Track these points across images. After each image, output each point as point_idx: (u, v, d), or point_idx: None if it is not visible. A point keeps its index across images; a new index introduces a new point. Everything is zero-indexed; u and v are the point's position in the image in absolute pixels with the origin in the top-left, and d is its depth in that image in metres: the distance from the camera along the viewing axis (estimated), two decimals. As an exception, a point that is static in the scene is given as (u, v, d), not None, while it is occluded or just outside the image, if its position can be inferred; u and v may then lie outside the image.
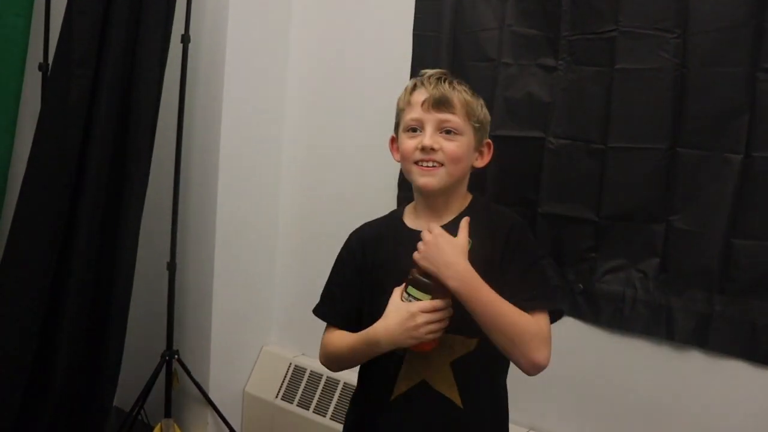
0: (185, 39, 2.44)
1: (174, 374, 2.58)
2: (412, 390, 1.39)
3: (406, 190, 2.46)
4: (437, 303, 1.29)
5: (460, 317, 1.31)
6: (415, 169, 1.39)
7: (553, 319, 1.40)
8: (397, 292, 1.34)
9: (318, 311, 1.50)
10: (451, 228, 1.35)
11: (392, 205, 2.19)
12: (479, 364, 1.39)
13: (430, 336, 1.29)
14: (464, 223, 1.34)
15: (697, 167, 1.96)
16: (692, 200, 1.97)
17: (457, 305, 1.31)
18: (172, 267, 2.54)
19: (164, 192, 2.53)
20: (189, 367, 2.59)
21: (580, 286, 2.16)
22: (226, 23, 2.53)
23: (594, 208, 2.11)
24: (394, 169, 2.48)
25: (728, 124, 1.89)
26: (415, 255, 1.31)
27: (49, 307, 2.24)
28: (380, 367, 1.42)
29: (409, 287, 1.31)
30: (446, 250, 1.28)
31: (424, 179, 1.38)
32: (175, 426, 2.60)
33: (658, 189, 2.01)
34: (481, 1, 2.28)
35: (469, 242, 1.33)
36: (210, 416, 2.68)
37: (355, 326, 1.43)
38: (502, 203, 2.25)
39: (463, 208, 1.44)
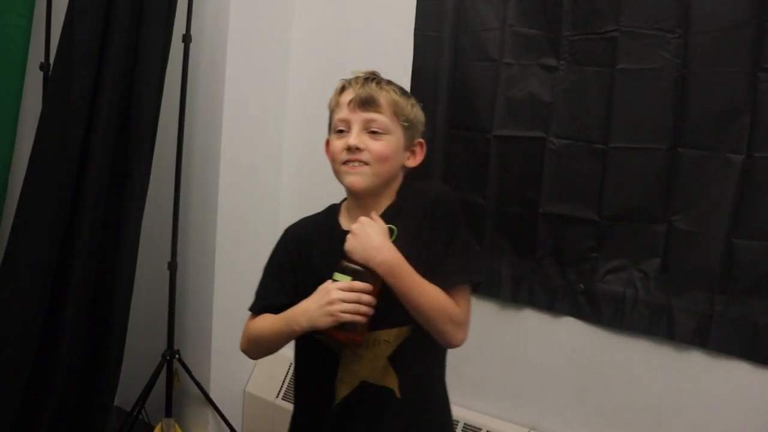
0: (186, 39, 2.44)
1: (175, 374, 2.58)
2: (353, 393, 1.39)
3: (407, 190, 2.46)
4: (355, 283, 1.30)
5: (391, 310, 1.33)
6: (342, 168, 1.39)
7: (475, 288, 1.43)
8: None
9: (254, 308, 1.49)
10: (386, 217, 1.38)
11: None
12: (414, 352, 1.39)
13: (347, 316, 1.28)
14: (374, 215, 1.37)
15: (698, 167, 1.95)
16: (693, 200, 1.97)
17: (390, 299, 1.32)
18: (173, 267, 2.54)
19: (165, 192, 2.53)
20: (190, 367, 2.59)
21: (581, 286, 2.16)
22: (227, 23, 2.53)
23: (595, 208, 2.11)
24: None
25: (729, 125, 1.89)
26: (345, 245, 1.33)
27: (50, 307, 2.24)
28: (318, 375, 1.43)
29: (335, 274, 1.33)
30: (372, 236, 1.32)
31: (350, 178, 1.38)
32: (176, 426, 2.60)
33: (659, 189, 2.01)
34: (482, 1, 2.28)
35: (393, 231, 1.35)
36: (211, 416, 2.68)
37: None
38: (503, 203, 2.27)
39: (391, 202, 1.44)
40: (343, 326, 1.30)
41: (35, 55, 2.36)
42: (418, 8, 2.43)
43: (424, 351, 1.41)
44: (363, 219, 1.35)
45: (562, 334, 2.23)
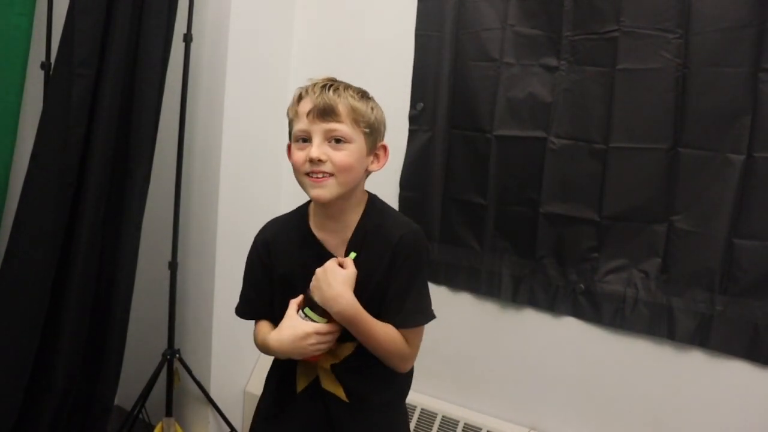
0: (187, 38, 2.44)
1: (175, 373, 2.58)
2: (311, 386, 1.47)
3: (408, 189, 2.47)
4: (331, 327, 1.38)
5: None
6: (306, 180, 1.40)
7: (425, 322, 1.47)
8: (294, 305, 1.41)
9: (238, 311, 1.57)
10: (352, 243, 1.42)
11: (393, 206, 2.19)
12: (359, 363, 1.45)
13: (318, 352, 1.39)
14: (349, 261, 1.39)
15: (698, 167, 1.96)
16: (694, 200, 1.97)
17: None
18: (173, 266, 2.54)
19: (166, 191, 2.53)
20: (190, 367, 2.59)
21: (582, 286, 2.16)
22: (228, 22, 2.52)
23: (596, 208, 2.12)
24: (395, 168, 2.48)
25: (730, 125, 1.90)
26: (311, 286, 1.39)
27: (51, 307, 2.24)
28: (283, 365, 1.50)
29: (306, 308, 1.39)
30: (332, 285, 1.35)
31: (315, 191, 1.39)
32: (177, 425, 2.60)
33: (659, 189, 2.02)
34: (483, 1, 2.28)
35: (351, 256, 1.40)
36: (211, 415, 2.68)
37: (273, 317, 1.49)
38: (504, 203, 2.27)
39: (359, 214, 1.45)
40: None
41: (36, 55, 2.36)
42: (418, 8, 2.43)
43: (368, 362, 1.44)
44: (328, 265, 1.38)
45: (562, 333, 2.23)
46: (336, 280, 1.36)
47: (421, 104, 2.43)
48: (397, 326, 1.41)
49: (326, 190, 1.37)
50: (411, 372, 1.52)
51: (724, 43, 1.90)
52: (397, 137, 2.48)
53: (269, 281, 1.50)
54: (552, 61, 2.17)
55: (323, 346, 1.38)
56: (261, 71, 2.68)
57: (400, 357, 1.42)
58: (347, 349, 1.44)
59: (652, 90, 2.00)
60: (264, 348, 1.48)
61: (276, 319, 1.46)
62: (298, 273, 1.43)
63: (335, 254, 1.43)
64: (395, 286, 1.41)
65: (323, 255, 1.42)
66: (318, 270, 1.38)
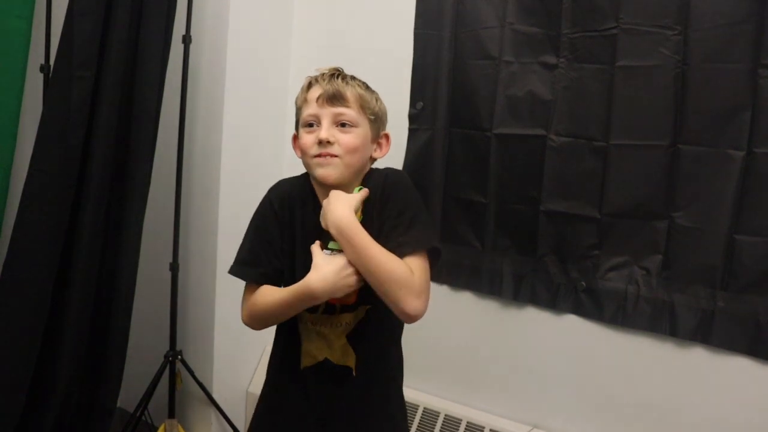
0: (186, 39, 2.45)
1: (177, 375, 2.58)
2: (316, 366, 1.49)
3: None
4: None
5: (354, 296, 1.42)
6: (314, 161, 1.45)
7: (433, 258, 1.44)
8: (316, 247, 1.41)
9: (239, 272, 1.52)
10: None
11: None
12: (371, 331, 1.47)
13: (357, 285, 1.38)
14: (363, 193, 1.44)
15: (699, 164, 1.96)
16: (694, 197, 1.97)
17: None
18: (174, 268, 2.54)
19: (166, 193, 2.53)
20: (192, 368, 2.59)
21: (583, 283, 2.16)
22: (227, 23, 2.53)
23: (596, 206, 2.12)
24: (396, 166, 2.48)
25: (730, 121, 1.89)
26: (320, 216, 1.42)
27: (53, 309, 2.24)
28: (287, 344, 1.52)
29: (330, 243, 1.40)
30: (333, 203, 1.39)
31: (321, 170, 1.43)
32: (179, 426, 2.60)
33: (660, 186, 2.02)
34: (481, 0, 2.28)
35: (358, 213, 1.41)
36: (213, 416, 2.68)
37: (275, 284, 1.48)
38: (504, 201, 2.27)
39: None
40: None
41: (35, 57, 2.36)
42: (417, 7, 2.43)
43: (379, 328, 1.48)
44: (332, 192, 1.42)
45: (564, 331, 2.23)
46: (338, 201, 1.39)
47: (421, 103, 2.43)
48: (402, 249, 1.39)
49: (332, 169, 1.43)
50: (400, 354, 1.56)
51: (723, 40, 1.90)
52: (397, 136, 2.47)
53: (281, 242, 1.50)
54: (551, 59, 2.17)
55: (358, 277, 1.37)
56: (260, 72, 2.68)
57: (406, 285, 1.34)
58: (360, 313, 1.46)
59: (652, 87, 2.00)
60: (268, 309, 1.45)
61: (276, 283, 1.47)
62: (311, 230, 1.46)
63: None
64: (389, 220, 1.42)
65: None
66: (324, 200, 1.42)
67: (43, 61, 2.31)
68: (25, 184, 2.23)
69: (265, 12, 2.67)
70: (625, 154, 2.06)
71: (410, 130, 2.46)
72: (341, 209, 1.38)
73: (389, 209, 1.43)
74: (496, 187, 2.29)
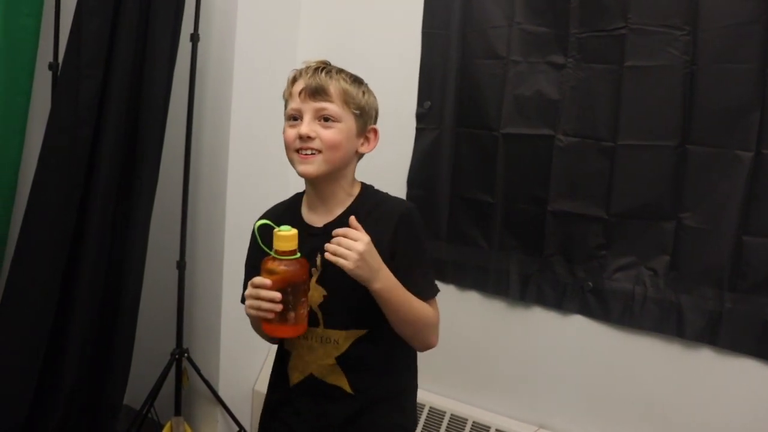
0: (194, 38, 2.45)
1: (184, 373, 2.59)
2: (304, 381, 1.46)
3: (415, 187, 2.46)
4: (266, 281, 1.31)
5: (342, 312, 1.40)
6: (295, 157, 1.42)
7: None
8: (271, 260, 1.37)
9: (243, 299, 1.48)
10: (343, 222, 1.37)
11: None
12: (369, 353, 1.43)
13: (251, 311, 1.34)
14: (354, 222, 1.35)
15: (707, 164, 1.95)
16: (702, 198, 1.97)
17: (344, 302, 1.39)
18: (181, 266, 2.54)
19: (174, 191, 2.54)
20: (198, 366, 2.60)
21: (590, 284, 2.16)
22: (235, 22, 2.53)
23: (604, 206, 2.11)
24: (403, 166, 2.48)
25: (738, 121, 1.89)
26: (346, 264, 1.30)
27: (60, 306, 2.25)
28: (281, 359, 1.52)
29: (279, 229, 1.33)
30: (375, 257, 1.33)
31: (302, 167, 1.41)
32: (185, 424, 2.61)
33: (667, 186, 2.01)
34: (489, -1, 2.28)
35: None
36: (219, 414, 2.69)
37: None
38: (511, 201, 2.27)
39: (352, 198, 1.47)
40: (271, 319, 1.33)
41: (44, 55, 2.37)
42: (425, 6, 2.43)
43: (379, 355, 1.44)
44: (365, 238, 1.31)
45: (570, 332, 2.22)
46: (375, 257, 1.33)
47: (428, 102, 2.43)
48: (423, 296, 1.40)
49: (313, 166, 1.40)
50: (414, 360, 1.53)
51: (732, 40, 1.89)
52: (404, 136, 2.48)
53: None
54: (559, 59, 2.17)
55: (252, 303, 1.32)
56: (268, 70, 2.68)
57: (435, 326, 1.44)
58: (351, 336, 1.42)
59: (660, 87, 2.00)
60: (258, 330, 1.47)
61: None
62: None
63: None
64: (407, 259, 1.40)
65: (305, 237, 1.38)
66: (356, 244, 1.30)
67: (51, 59, 2.31)
68: (33, 182, 2.23)
69: (272, 11, 2.67)
70: (632, 155, 2.06)
71: (418, 130, 2.46)
72: (383, 265, 1.34)
73: (409, 246, 1.42)
74: (503, 186, 2.29)
